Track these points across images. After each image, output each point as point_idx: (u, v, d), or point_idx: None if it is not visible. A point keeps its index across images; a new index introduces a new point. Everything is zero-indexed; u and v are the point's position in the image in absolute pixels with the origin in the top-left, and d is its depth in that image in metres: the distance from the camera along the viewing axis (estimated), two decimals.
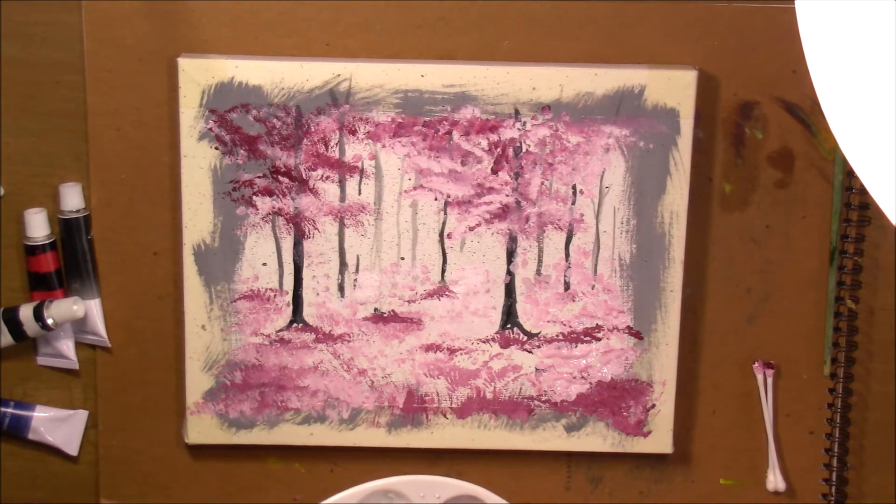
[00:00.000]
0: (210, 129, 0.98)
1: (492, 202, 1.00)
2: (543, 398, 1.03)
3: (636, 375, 1.03)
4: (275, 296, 1.01)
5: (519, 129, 0.98)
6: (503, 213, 1.00)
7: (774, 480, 1.06)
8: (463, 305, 1.01)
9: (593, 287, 1.01)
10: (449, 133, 0.98)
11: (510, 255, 1.01)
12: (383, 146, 0.98)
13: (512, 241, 1.00)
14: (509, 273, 1.01)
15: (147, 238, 1.02)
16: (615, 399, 1.03)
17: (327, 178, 0.99)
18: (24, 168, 1.01)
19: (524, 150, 0.99)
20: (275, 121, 0.98)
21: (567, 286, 1.01)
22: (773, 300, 1.04)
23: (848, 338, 1.03)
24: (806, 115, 1.00)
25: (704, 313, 1.04)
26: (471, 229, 1.00)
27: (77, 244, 1.01)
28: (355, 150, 0.98)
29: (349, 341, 1.02)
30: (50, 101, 1.00)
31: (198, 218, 0.99)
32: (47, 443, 1.05)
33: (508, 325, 1.02)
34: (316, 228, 1.00)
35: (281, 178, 0.99)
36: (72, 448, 1.05)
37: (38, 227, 1.01)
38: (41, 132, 1.00)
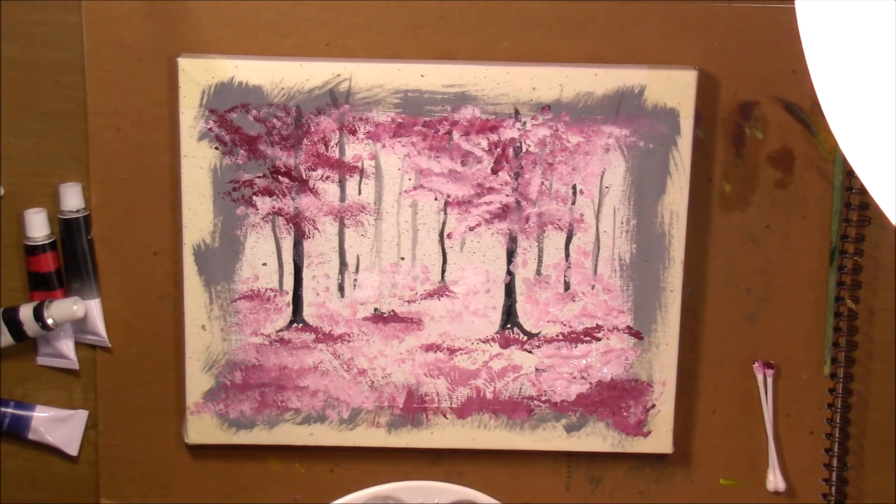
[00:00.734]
0: (210, 129, 0.97)
1: (492, 202, 1.00)
2: (543, 398, 1.03)
3: (636, 375, 1.03)
4: (275, 296, 1.01)
5: (519, 129, 0.98)
6: (503, 213, 1.00)
7: (774, 480, 1.06)
8: (463, 305, 1.01)
9: (593, 287, 1.01)
10: (449, 133, 0.98)
11: (510, 255, 1.01)
12: (383, 146, 0.98)
13: (512, 241, 1.00)
14: (509, 273, 1.01)
15: (147, 238, 1.02)
16: (615, 399, 1.03)
17: (327, 178, 0.99)
18: (24, 168, 1.01)
19: (524, 150, 0.99)
20: (275, 121, 0.98)
21: (567, 286, 1.01)
22: (773, 300, 1.04)
23: (848, 338, 1.03)
24: (806, 115, 1.00)
25: (704, 313, 1.04)
26: (471, 229, 1.00)
27: (77, 244, 1.01)
28: (355, 150, 0.98)
29: (349, 341, 1.02)
30: (50, 101, 1.00)
31: (198, 218, 0.99)
32: (47, 443, 1.05)
33: (508, 325, 1.02)
34: (316, 228, 1.00)
35: (281, 178, 0.99)
36: (72, 448, 1.05)
37: (38, 227, 1.01)
38: (41, 132, 1.00)
